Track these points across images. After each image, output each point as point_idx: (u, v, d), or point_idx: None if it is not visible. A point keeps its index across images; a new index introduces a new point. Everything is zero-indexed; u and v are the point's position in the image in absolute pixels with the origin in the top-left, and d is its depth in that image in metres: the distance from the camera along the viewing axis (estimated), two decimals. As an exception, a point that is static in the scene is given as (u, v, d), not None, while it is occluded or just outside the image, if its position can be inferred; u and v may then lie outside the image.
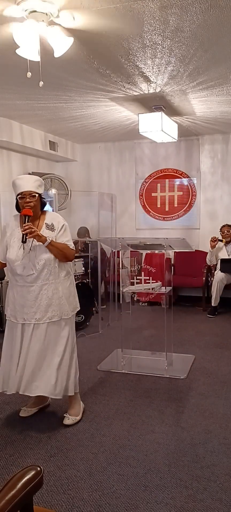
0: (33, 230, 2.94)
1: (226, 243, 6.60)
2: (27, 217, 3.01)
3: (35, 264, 3.03)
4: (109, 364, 4.47)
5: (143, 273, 4.74)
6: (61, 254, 3.09)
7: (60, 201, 7.18)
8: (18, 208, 3.17)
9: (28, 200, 3.04)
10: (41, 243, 3.00)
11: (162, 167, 7.60)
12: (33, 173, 7.08)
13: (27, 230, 2.93)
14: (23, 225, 2.99)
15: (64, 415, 3.23)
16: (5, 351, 3.20)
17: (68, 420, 3.19)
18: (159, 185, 7.64)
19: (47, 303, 3.04)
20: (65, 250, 3.11)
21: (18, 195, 3.09)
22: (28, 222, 2.99)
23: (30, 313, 3.04)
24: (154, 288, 4.40)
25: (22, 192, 3.06)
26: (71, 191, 7.40)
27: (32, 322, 3.04)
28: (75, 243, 7.10)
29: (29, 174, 7.14)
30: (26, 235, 2.94)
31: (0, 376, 3.18)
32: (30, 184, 3.08)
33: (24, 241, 2.97)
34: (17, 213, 3.21)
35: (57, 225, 3.17)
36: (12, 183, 3.17)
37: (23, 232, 2.95)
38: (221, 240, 6.57)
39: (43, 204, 3.25)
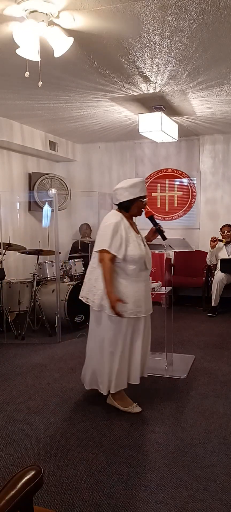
0: None
1: (226, 243, 6.60)
2: (153, 217, 3.51)
3: (150, 260, 3.40)
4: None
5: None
6: None
7: (60, 201, 7.19)
8: (126, 207, 3.30)
9: (146, 203, 3.38)
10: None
11: (162, 167, 7.60)
12: (33, 173, 7.10)
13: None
14: (157, 225, 3.51)
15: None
16: (122, 347, 3.25)
17: None
18: (159, 185, 7.65)
19: None
20: None
21: (142, 197, 3.28)
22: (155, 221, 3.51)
23: (148, 304, 3.36)
24: (154, 288, 4.40)
25: (145, 196, 3.34)
26: (71, 191, 7.41)
27: (149, 313, 3.38)
28: (76, 242, 7.13)
29: (30, 173, 7.15)
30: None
31: (122, 373, 3.29)
32: None
33: (165, 238, 3.52)
34: (116, 211, 3.33)
35: None
36: (137, 182, 3.31)
37: (163, 231, 3.50)
38: (221, 240, 6.57)
39: None
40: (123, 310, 3.14)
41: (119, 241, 3.15)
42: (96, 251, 3.25)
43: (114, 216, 3.25)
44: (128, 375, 3.35)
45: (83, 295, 3.35)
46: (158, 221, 3.64)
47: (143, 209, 3.35)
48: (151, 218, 3.51)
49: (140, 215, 3.37)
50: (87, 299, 3.30)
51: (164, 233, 3.51)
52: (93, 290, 3.26)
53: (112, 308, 3.10)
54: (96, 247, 3.23)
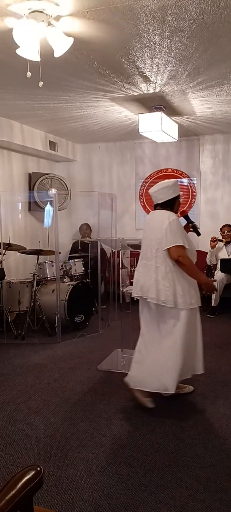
0: None
1: (226, 243, 6.60)
2: (187, 215, 3.69)
3: None
4: (110, 364, 4.46)
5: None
6: None
7: (60, 201, 7.19)
8: (172, 205, 3.41)
9: None
10: None
11: (162, 167, 7.60)
12: (33, 173, 7.10)
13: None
14: (193, 222, 3.71)
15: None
16: (187, 340, 3.31)
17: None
18: (159, 185, 7.64)
19: None
20: None
21: (180, 195, 3.48)
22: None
23: None
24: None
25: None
26: (71, 191, 7.41)
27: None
28: (76, 242, 7.13)
29: (30, 173, 7.15)
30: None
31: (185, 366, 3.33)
32: None
33: (200, 234, 3.75)
34: (166, 210, 3.39)
35: None
36: (176, 181, 3.51)
37: (198, 227, 3.72)
38: (221, 240, 6.56)
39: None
40: (192, 302, 3.29)
41: (185, 237, 3.32)
42: (165, 249, 3.25)
43: (172, 214, 3.34)
44: (193, 367, 3.43)
45: (152, 296, 3.27)
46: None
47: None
48: (187, 216, 3.69)
49: (177, 212, 3.49)
50: (158, 299, 3.26)
51: (198, 229, 3.74)
52: (162, 289, 3.24)
53: (214, 289, 3.52)
54: (168, 244, 3.22)
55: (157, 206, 3.44)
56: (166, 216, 3.29)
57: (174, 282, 3.23)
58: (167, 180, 3.45)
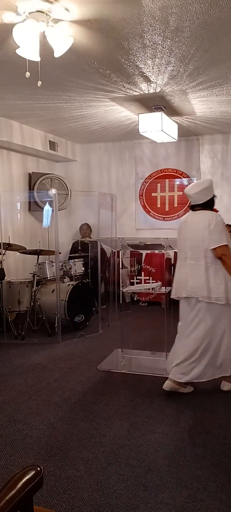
0: None
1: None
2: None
3: None
4: (110, 364, 4.47)
5: (143, 273, 4.74)
6: None
7: (60, 201, 7.19)
8: (212, 203, 3.57)
9: None
10: None
11: (162, 167, 7.60)
12: (33, 173, 7.10)
13: None
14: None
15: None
16: None
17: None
18: (159, 185, 7.65)
19: None
20: None
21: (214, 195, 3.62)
22: None
23: None
24: (154, 288, 4.40)
25: None
26: (71, 191, 7.41)
27: None
28: (76, 242, 7.13)
29: (30, 173, 7.14)
30: None
31: None
32: None
33: None
34: (209, 210, 3.53)
35: None
36: (212, 182, 3.65)
37: None
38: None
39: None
40: None
41: (228, 236, 3.42)
42: (211, 248, 3.38)
43: (218, 215, 3.48)
44: None
45: (204, 295, 3.40)
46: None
47: None
48: None
49: None
50: (209, 297, 3.39)
51: None
52: (214, 287, 3.38)
53: None
54: (216, 243, 3.36)
55: (195, 207, 3.55)
56: (213, 217, 3.43)
57: (225, 279, 3.36)
58: (204, 180, 3.64)
